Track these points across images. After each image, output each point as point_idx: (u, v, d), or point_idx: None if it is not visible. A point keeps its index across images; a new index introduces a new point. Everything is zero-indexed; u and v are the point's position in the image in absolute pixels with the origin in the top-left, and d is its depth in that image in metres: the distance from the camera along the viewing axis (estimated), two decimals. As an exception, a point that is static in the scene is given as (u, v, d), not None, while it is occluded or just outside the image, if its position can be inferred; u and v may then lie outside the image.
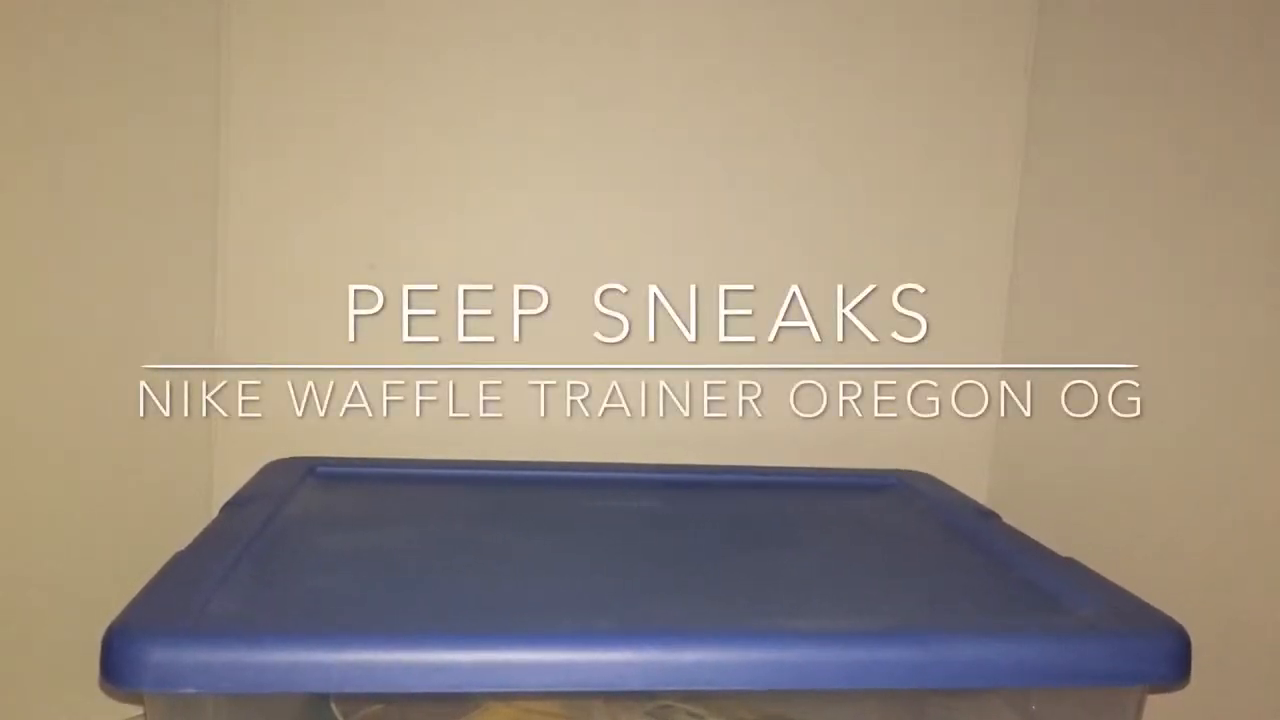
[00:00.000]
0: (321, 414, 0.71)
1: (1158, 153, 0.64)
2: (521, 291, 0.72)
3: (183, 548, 0.49)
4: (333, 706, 0.48)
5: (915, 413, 0.76)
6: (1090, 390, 0.68)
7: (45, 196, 0.60)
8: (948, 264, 0.76)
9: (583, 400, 0.73)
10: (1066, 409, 0.70)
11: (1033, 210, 0.75)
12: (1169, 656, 0.45)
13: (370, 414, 0.71)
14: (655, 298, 0.74)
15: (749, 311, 0.75)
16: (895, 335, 0.76)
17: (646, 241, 0.73)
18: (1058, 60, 0.73)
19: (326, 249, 0.70)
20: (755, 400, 0.75)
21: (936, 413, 0.77)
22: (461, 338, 0.72)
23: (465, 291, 0.72)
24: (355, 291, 0.71)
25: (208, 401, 0.69)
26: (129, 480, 0.65)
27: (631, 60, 0.72)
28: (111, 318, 0.64)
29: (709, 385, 0.75)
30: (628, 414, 0.74)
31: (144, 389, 0.65)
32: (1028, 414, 0.74)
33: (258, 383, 0.70)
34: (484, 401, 0.73)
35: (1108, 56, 0.68)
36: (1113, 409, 0.66)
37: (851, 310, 0.75)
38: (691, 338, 0.74)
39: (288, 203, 0.70)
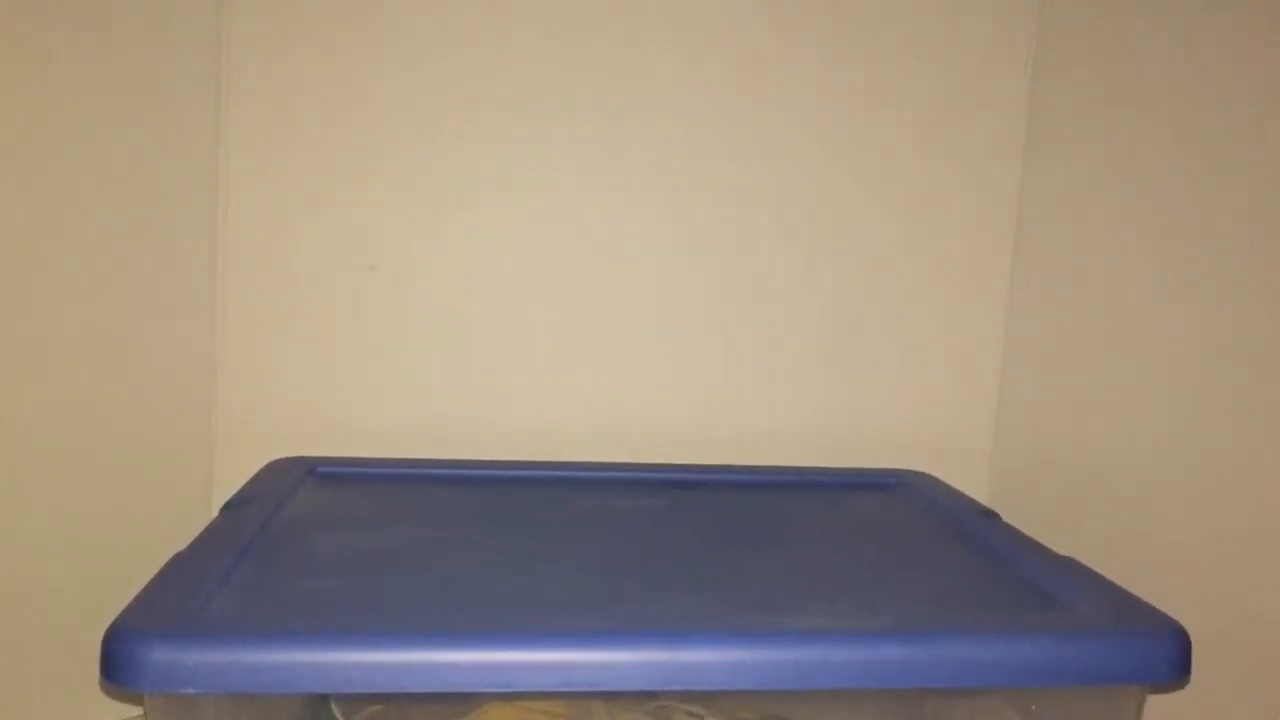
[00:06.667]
0: (321, 414, 0.71)
1: (1159, 152, 0.64)
2: (522, 291, 0.73)
3: (182, 548, 0.49)
4: (333, 707, 0.48)
5: (915, 412, 0.76)
6: (1090, 390, 0.68)
7: (45, 196, 0.60)
8: (948, 264, 0.76)
9: (583, 400, 0.74)
10: (1066, 409, 0.70)
11: (1033, 210, 0.75)
12: (1169, 656, 0.45)
13: (370, 414, 0.71)
14: (655, 297, 0.74)
15: (748, 310, 0.75)
16: (895, 334, 0.76)
17: (646, 242, 0.74)
18: (1059, 59, 0.73)
19: (327, 249, 0.71)
20: (755, 400, 0.75)
21: (936, 412, 0.77)
22: (462, 337, 0.72)
23: (465, 291, 0.72)
24: (355, 292, 0.71)
25: (208, 401, 0.69)
26: (129, 480, 0.65)
27: (631, 60, 0.72)
28: (111, 317, 0.64)
29: (709, 385, 0.75)
30: (628, 414, 0.74)
31: (144, 389, 0.65)
32: (1027, 413, 0.74)
33: (258, 383, 0.70)
34: (483, 401, 0.73)
35: (1109, 55, 0.68)
36: (1113, 409, 0.66)
37: (851, 309, 0.75)
38: (692, 337, 0.74)
39: (288, 203, 0.70)
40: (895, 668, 0.43)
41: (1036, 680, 0.44)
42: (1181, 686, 0.47)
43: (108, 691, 0.51)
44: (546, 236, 0.72)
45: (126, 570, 0.47)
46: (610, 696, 0.49)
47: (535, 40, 0.71)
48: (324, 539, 0.54)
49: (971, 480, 0.74)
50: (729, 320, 0.75)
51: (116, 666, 0.39)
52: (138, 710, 0.57)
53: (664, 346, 0.74)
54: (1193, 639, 0.45)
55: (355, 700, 0.48)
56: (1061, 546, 0.56)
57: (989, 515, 0.62)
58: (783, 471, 0.71)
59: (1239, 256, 0.58)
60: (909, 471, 0.72)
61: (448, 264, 0.72)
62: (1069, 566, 0.53)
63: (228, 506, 0.57)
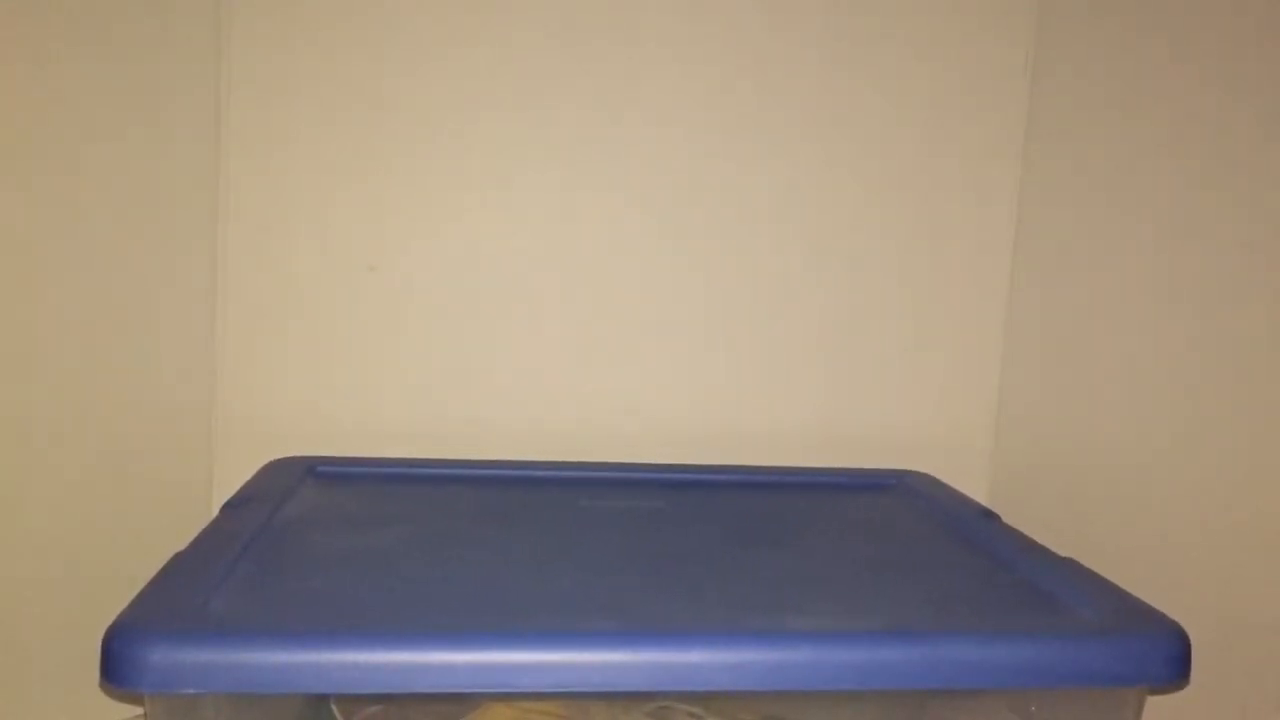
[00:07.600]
0: (321, 414, 0.71)
1: (1159, 152, 0.64)
2: (521, 291, 0.72)
3: (183, 547, 0.49)
4: (332, 707, 0.48)
5: (915, 413, 0.76)
6: (1090, 390, 0.68)
7: (46, 197, 0.60)
8: (948, 264, 0.76)
9: (583, 400, 0.73)
10: (1066, 409, 0.70)
11: (1033, 210, 0.75)
12: (1168, 657, 0.45)
13: (370, 414, 0.71)
14: (655, 297, 0.74)
15: (748, 310, 0.75)
16: (895, 334, 0.76)
17: (646, 242, 0.73)
18: (1058, 60, 0.73)
19: (326, 250, 0.71)
20: (755, 400, 0.75)
21: (936, 412, 0.77)
22: (461, 337, 0.72)
23: (465, 292, 0.72)
24: (355, 292, 0.71)
25: (208, 401, 0.69)
26: (129, 480, 0.65)
27: (631, 60, 0.72)
28: (111, 318, 0.64)
29: (709, 385, 0.75)
30: (627, 414, 0.74)
31: (144, 389, 0.65)
32: (1027, 414, 0.74)
33: (258, 383, 0.70)
34: (483, 401, 0.73)
35: (1107, 56, 0.68)
36: (1113, 409, 0.66)
37: (851, 309, 0.75)
38: (692, 337, 0.74)
39: (288, 203, 0.70)
40: (896, 669, 0.43)
41: (1036, 681, 0.44)
42: (1181, 688, 0.47)
43: (108, 691, 0.51)
44: (546, 236, 0.72)
45: (126, 570, 0.47)
46: (610, 697, 0.49)
47: (535, 40, 0.71)
48: (324, 539, 0.54)
49: (972, 480, 0.74)
50: (729, 320, 0.75)
51: (116, 666, 0.39)
52: (138, 710, 0.57)
53: (664, 346, 0.74)
54: (1193, 640, 0.45)
55: (355, 700, 0.48)
56: (1061, 547, 0.56)
57: (989, 516, 0.62)
58: (783, 472, 0.71)
59: (1239, 256, 0.58)
60: (909, 472, 0.72)
61: (448, 264, 0.72)
62: (1069, 567, 0.53)
63: (228, 506, 0.57)
